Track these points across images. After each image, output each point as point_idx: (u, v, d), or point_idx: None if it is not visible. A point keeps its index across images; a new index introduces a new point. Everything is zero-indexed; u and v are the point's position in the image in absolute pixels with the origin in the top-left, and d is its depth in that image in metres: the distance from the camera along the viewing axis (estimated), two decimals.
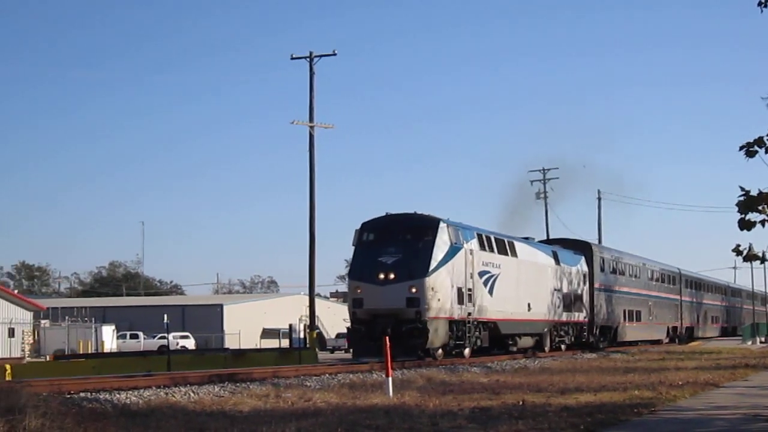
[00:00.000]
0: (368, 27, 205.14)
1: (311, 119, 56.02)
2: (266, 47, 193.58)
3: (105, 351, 71.53)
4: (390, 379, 22.68)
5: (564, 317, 50.38)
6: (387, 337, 26.89)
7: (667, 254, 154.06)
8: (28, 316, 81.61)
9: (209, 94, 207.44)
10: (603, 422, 16.47)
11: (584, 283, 53.48)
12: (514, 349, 44.80)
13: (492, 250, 41.48)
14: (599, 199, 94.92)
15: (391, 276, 35.79)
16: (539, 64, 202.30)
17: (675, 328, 74.54)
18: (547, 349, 48.03)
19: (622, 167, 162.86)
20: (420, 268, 35.91)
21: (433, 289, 35.79)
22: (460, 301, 37.76)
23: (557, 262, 50.04)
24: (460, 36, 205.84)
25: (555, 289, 48.85)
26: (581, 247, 55.71)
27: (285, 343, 79.78)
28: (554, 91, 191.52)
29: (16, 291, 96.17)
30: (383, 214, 38.60)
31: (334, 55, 57.08)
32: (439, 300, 36.06)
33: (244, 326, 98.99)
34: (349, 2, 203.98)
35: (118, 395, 20.65)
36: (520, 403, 19.92)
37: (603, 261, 57.44)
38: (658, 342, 68.79)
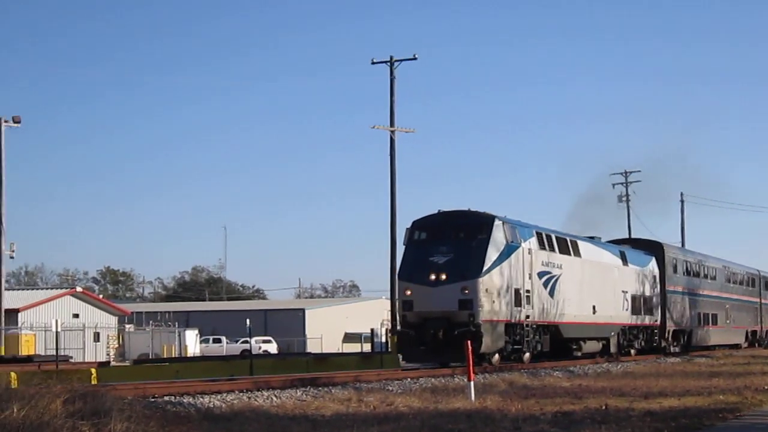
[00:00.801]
0: (449, 31, 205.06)
1: (392, 124, 55.38)
2: (347, 52, 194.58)
3: (188, 355, 72.08)
4: (472, 383, 22.53)
5: (633, 320, 47.77)
6: (468, 341, 26.96)
7: (749, 256, 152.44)
8: (113, 320, 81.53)
9: (290, 101, 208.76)
10: (687, 427, 16.45)
11: (655, 284, 50.70)
12: (579, 354, 42.26)
13: (552, 250, 39.05)
14: (682, 201, 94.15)
15: (443, 276, 33.72)
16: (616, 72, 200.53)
17: (754, 332, 71.40)
18: (615, 354, 45.32)
19: (703, 168, 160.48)
20: (473, 268, 33.77)
21: (487, 290, 33.66)
22: (517, 303, 35.48)
23: (625, 262, 47.48)
24: (539, 40, 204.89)
25: (622, 291, 46.33)
26: (652, 248, 52.81)
27: (367, 347, 79.37)
28: (634, 94, 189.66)
29: (101, 296, 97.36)
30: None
31: (415, 59, 57.38)
32: (493, 302, 33.98)
33: (326, 330, 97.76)
34: (430, 6, 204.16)
35: (201, 399, 20.77)
36: (603, 407, 19.83)
37: (676, 262, 54.71)
38: (736, 347, 65.55)
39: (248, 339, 67.05)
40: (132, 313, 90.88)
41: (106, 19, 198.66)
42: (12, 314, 69.77)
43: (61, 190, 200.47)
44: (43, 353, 55.92)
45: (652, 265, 50.76)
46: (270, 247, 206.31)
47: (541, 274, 37.61)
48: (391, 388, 25.47)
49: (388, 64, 55.48)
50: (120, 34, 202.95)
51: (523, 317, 35.97)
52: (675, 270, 54.11)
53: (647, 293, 49.38)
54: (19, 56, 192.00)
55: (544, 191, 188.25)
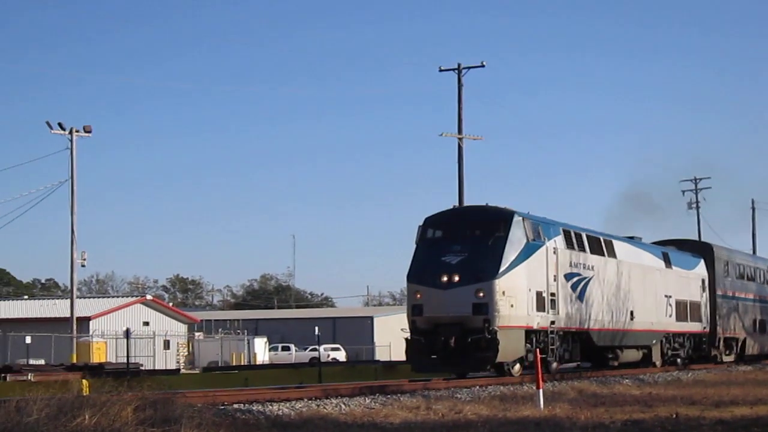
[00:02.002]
0: (516, 38, 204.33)
1: (460, 131, 54.77)
2: (414, 60, 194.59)
3: (257, 363, 72.65)
4: (541, 391, 22.08)
5: (677, 327, 43.66)
6: (538, 350, 26.83)
7: None
8: (183, 328, 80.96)
9: (358, 110, 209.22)
10: None
11: (703, 288, 46.47)
12: (615, 363, 38.61)
13: (583, 249, 35.29)
14: (753, 209, 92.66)
15: (456, 278, 30.39)
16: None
17: None
18: (658, 363, 41.41)
19: None
20: (489, 269, 30.34)
21: (504, 293, 30.22)
22: (540, 308, 31.96)
23: (668, 264, 43.47)
24: (600, 44, 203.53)
25: (665, 296, 42.43)
26: (700, 249, 48.63)
27: None
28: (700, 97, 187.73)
29: (171, 304, 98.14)
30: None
31: (483, 66, 57.43)
32: (512, 306, 30.50)
33: (395, 338, 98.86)
34: (497, 13, 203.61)
35: (270, 407, 20.56)
36: (674, 416, 19.53)
37: (727, 264, 50.12)
38: None
39: (317, 347, 67.19)
40: (201, 321, 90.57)
41: (178, 25, 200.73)
42: (83, 322, 70.21)
43: (131, 199, 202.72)
44: (114, 361, 56.59)
45: (700, 267, 46.77)
46: (338, 255, 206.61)
47: (568, 276, 34.12)
48: (459, 396, 25.05)
49: (456, 71, 55.63)
50: (195, 40, 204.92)
51: (546, 323, 32.45)
52: (726, 273, 49.90)
53: (694, 298, 45.50)
54: (90, 64, 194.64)
55: (608, 197, 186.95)
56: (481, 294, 30.05)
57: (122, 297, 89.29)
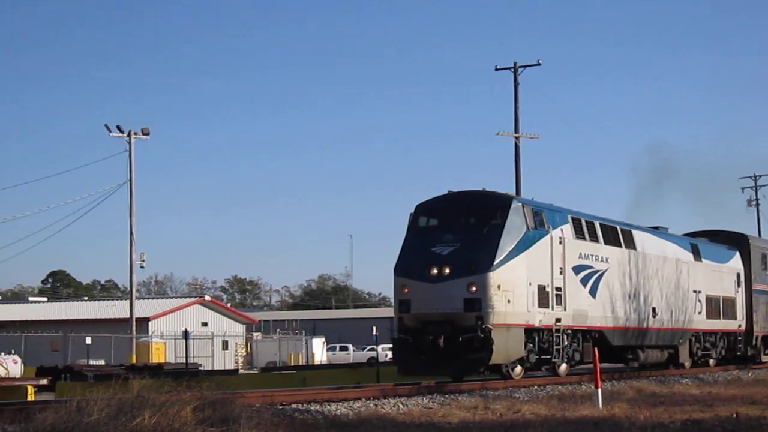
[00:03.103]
0: (572, 36, 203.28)
1: (516, 130, 53.57)
2: (471, 59, 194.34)
3: (315, 363, 72.99)
4: (599, 390, 21.83)
5: (708, 325, 39.78)
6: (596, 348, 26.47)
7: None
8: (241, 329, 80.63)
9: (414, 109, 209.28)
10: None
11: (738, 283, 42.41)
12: (635, 365, 35.48)
13: (595, 239, 31.83)
14: None
15: (446, 271, 27.26)
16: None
17: None
18: (687, 364, 37.91)
19: None
20: (482, 260, 27.14)
21: (499, 287, 26.99)
22: (543, 303, 28.60)
23: (697, 257, 39.57)
24: (656, 42, 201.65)
25: (694, 291, 38.66)
26: (734, 241, 44.06)
27: None
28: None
29: (229, 304, 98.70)
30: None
31: (539, 65, 57.30)
32: (508, 301, 27.19)
33: None
34: (552, 12, 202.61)
35: (328, 407, 20.53)
36: (734, 415, 19.16)
37: (765, 257, 45.54)
38: None
39: (375, 346, 67.32)
40: (259, 321, 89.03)
41: (233, 31, 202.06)
42: (143, 323, 70.36)
43: (189, 200, 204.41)
44: (172, 361, 57.02)
45: (735, 260, 42.67)
46: (396, 255, 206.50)
47: (578, 269, 30.74)
48: (517, 396, 24.76)
49: (512, 70, 55.54)
50: (248, 46, 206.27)
51: (551, 321, 29.06)
52: (764, 266, 45.54)
53: (728, 293, 41.51)
54: (149, 68, 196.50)
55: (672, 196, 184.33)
56: (474, 288, 27.01)
57: (181, 298, 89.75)
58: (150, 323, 71.85)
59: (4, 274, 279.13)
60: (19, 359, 51.97)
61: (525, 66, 54.66)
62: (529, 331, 28.31)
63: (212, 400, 16.30)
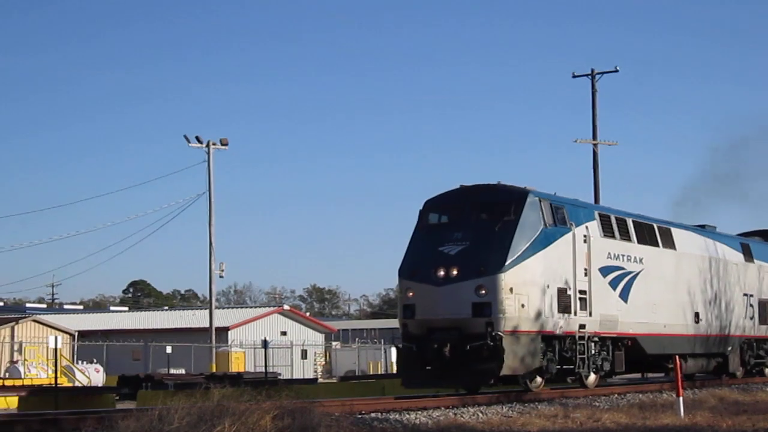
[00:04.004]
0: (651, 43, 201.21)
1: (594, 137, 53.91)
2: (547, 66, 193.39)
3: (394, 372, 72.94)
4: (681, 399, 21.28)
5: (763, 331, 36.40)
6: (677, 356, 25.87)
7: None
8: (320, 338, 79.18)
9: (489, 116, 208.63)
10: None
11: None
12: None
13: (627, 238, 28.88)
14: None
15: (454, 272, 24.65)
16: None
17: None
18: (738, 374, 34.55)
19: None
20: (493, 260, 24.43)
21: (512, 289, 24.31)
22: (564, 308, 25.77)
23: (749, 257, 36.15)
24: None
25: (744, 295, 35.37)
26: None
27: None
28: None
29: (307, 314, 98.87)
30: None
31: (616, 71, 56.70)
32: (522, 306, 24.49)
33: None
34: (629, 20, 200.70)
35: (407, 416, 20.19)
36: None
37: None
38: None
39: None
40: (338, 330, 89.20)
41: (310, 38, 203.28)
42: (222, 332, 70.37)
43: (268, 210, 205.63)
44: (252, 370, 57.35)
45: None
46: None
47: (605, 270, 27.81)
48: (597, 404, 24.15)
49: (590, 77, 55.16)
50: (325, 54, 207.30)
51: (573, 327, 26.15)
52: None
53: None
54: (227, 78, 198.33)
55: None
56: (483, 291, 24.42)
57: (260, 307, 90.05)
58: (229, 332, 72.12)
59: (87, 284, 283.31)
60: (101, 368, 52.80)
61: (602, 72, 54.24)
62: (548, 339, 25.46)
63: (291, 409, 16.35)
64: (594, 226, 27.57)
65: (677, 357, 22.92)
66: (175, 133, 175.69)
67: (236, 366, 60.45)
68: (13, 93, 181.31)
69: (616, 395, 26.70)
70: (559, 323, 25.68)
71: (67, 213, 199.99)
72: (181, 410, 15.07)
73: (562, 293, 25.85)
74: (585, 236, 26.97)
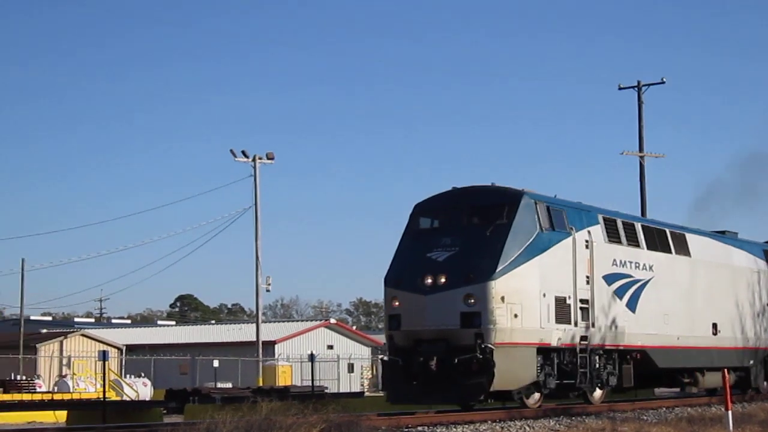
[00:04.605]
0: (698, 54, 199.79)
1: (641, 149, 53.69)
2: (593, 78, 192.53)
3: None
4: (730, 412, 20.77)
5: None
6: (725, 369, 25.28)
7: None
8: (367, 351, 78.99)
9: (541, 133, 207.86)
10: None
11: None
12: (694, 390, 30.32)
13: (635, 244, 26.95)
14: None
15: (442, 280, 22.96)
16: None
17: None
18: (762, 388, 32.74)
19: None
20: (482, 266, 22.70)
21: (503, 298, 22.59)
22: (563, 318, 23.93)
23: None
24: None
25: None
26: None
27: None
28: None
29: (354, 327, 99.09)
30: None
31: (663, 83, 56.37)
32: (515, 315, 22.77)
33: None
34: (677, 31, 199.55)
35: (454, 429, 19.97)
36: None
37: None
38: None
39: None
40: (385, 343, 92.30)
41: (356, 50, 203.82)
42: (269, 346, 70.12)
43: (314, 224, 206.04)
44: (299, 384, 57.44)
45: None
46: None
47: (610, 278, 25.85)
48: (645, 418, 23.70)
49: (636, 89, 54.90)
50: (374, 66, 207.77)
51: (574, 339, 24.28)
52: None
53: None
54: (272, 94, 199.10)
55: None
56: (472, 300, 22.70)
57: (306, 321, 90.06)
58: (276, 346, 72.21)
59: (134, 298, 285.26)
60: (148, 382, 53.14)
61: (649, 84, 53.97)
62: (545, 352, 23.61)
63: (338, 423, 16.37)
64: (597, 231, 25.75)
65: (725, 370, 21.90)
66: (222, 148, 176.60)
67: (283, 380, 60.49)
68: (73, 117, 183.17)
69: (664, 409, 26.25)
70: (557, 335, 23.89)
71: (115, 228, 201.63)
72: (229, 424, 15.16)
73: (560, 302, 24.09)
74: (587, 241, 25.20)
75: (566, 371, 24.16)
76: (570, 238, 24.61)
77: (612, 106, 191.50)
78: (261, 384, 53.20)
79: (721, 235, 32.70)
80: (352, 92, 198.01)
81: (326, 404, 19.18)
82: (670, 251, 28.52)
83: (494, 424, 21.08)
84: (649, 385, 30.00)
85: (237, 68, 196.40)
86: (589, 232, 25.26)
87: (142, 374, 56.87)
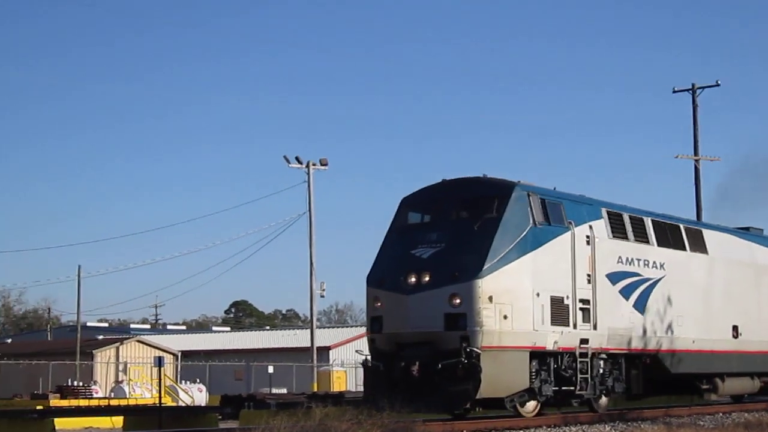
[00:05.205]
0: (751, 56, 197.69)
1: (695, 152, 53.34)
2: (646, 80, 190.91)
3: None
4: None
5: None
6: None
7: None
8: None
9: (601, 133, 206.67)
10: None
11: None
12: (713, 397, 27.88)
13: (643, 240, 24.86)
14: None
15: (426, 278, 21.13)
16: None
17: None
18: None
19: None
20: (468, 264, 20.85)
21: (491, 298, 20.74)
22: (560, 320, 21.99)
23: None
24: None
25: None
26: None
27: None
28: None
29: None
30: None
31: (717, 86, 56.00)
32: (505, 317, 20.90)
33: None
34: (730, 33, 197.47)
35: None
36: None
37: None
38: None
39: None
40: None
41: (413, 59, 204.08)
42: (324, 351, 68.73)
43: (368, 229, 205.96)
44: (353, 389, 57.57)
45: None
46: None
47: (615, 276, 23.77)
48: (702, 423, 23.17)
49: (690, 92, 54.55)
50: (427, 71, 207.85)
51: (573, 342, 22.26)
52: None
53: None
54: (326, 99, 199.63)
55: None
56: (458, 300, 20.90)
57: (361, 326, 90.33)
58: (330, 352, 72.20)
59: (189, 304, 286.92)
60: (204, 388, 53.45)
61: (704, 87, 53.61)
62: (541, 356, 21.73)
63: (393, 429, 16.37)
64: (600, 226, 23.66)
65: None
66: (275, 154, 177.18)
67: (338, 385, 60.45)
68: (130, 118, 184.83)
69: (720, 414, 25.93)
70: (553, 338, 21.86)
71: (170, 234, 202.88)
72: (284, 429, 15.23)
73: (556, 303, 22.06)
74: (588, 237, 23.07)
75: (565, 377, 22.24)
76: (568, 233, 22.61)
77: (666, 110, 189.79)
78: (316, 389, 53.32)
79: (744, 232, 30.59)
80: (404, 98, 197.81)
81: (381, 410, 19.03)
82: (684, 248, 26.41)
83: (549, 429, 20.74)
84: (665, 392, 27.87)
85: (293, 73, 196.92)
86: (590, 226, 23.27)
87: (198, 380, 57.19)
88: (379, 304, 22.06)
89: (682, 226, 26.69)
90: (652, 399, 27.74)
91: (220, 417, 32.07)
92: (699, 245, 27.06)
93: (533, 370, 21.38)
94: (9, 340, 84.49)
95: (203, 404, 47.62)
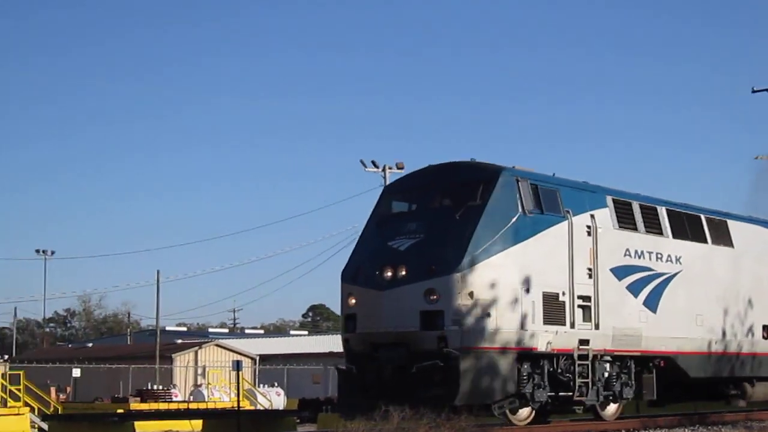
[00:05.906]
0: None
1: None
2: (725, 80, 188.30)
3: None
4: None
5: None
6: None
7: None
8: None
9: (668, 130, 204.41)
10: None
11: None
12: (741, 403, 25.23)
13: (655, 231, 22.32)
14: None
15: (402, 272, 19.07)
16: None
17: None
18: None
19: None
20: (446, 256, 18.77)
21: (472, 293, 18.68)
22: (554, 319, 19.72)
23: None
24: None
25: None
26: None
27: None
28: None
29: None
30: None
31: None
32: (488, 314, 18.73)
33: None
34: None
35: None
36: None
37: None
38: None
39: None
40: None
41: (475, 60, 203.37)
42: None
43: None
44: None
45: None
46: None
47: (622, 271, 21.37)
48: None
49: None
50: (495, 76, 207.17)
51: (571, 343, 19.99)
52: None
53: None
54: (401, 102, 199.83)
55: None
56: (434, 296, 18.87)
57: None
58: None
59: (267, 308, 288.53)
60: (282, 391, 53.71)
61: None
62: (534, 358, 19.53)
63: None
64: (604, 215, 21.19)
65: None
66: (351, 158, 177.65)
67: None
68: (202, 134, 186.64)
69: None
70: (546, 338, 19.56)
71: (247, 239, 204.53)
72: None
73: (550, 299, 19.75)
74: (589, 227, 20.71)
75: (563, 381, 19.90)
76: (565, 223, 20.23)
77: (748, 108, 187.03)
78: None
79: None
80: (472, 101, 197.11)
81: (458, 413, 18.58)
82: (705, 241, 23.69)
83: None
84: (686, 398, 25.20)
85: (371, 76, 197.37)
86: (592, 216, 20.81)
87: (276, 384, 57.47)
88: (353, 301, 19.99)
89: (703, 217, 24.02)
90: (675, 406, 25.33)
91: (298, 420, 32.22)
92: (723, 238, 24.38)
93: (524, 374, 19.21)
94: (90, 345, 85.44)
95: (281, 408, 47.85)
